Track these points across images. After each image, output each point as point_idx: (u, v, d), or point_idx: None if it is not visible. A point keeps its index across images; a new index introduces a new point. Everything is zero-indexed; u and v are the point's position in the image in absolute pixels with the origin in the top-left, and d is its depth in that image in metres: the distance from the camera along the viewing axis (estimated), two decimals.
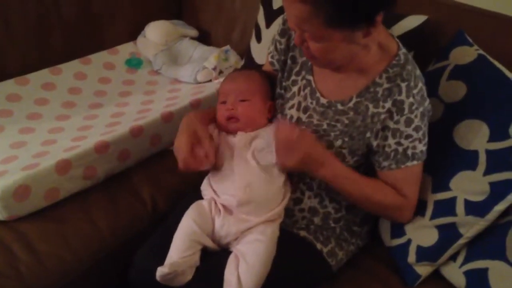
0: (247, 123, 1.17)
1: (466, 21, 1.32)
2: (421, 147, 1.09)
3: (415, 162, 1.09)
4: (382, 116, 1.07)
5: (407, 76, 1.05)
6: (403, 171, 1.10)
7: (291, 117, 1.18)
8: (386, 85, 1.07)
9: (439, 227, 1.13)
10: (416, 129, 1.07)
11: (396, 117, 1.06)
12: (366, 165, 1.16)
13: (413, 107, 1.05)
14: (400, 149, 1.08)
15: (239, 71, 1.32)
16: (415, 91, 1.05)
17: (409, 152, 1.08)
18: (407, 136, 1.07)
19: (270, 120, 1.22)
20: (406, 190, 1.12)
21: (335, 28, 0.94)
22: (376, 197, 1.12)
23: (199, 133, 1.13)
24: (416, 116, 1.06)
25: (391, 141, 1.08)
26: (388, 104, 1.06)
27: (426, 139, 1.10)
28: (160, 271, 1.00)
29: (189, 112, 1.22)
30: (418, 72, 1.08)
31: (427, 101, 1.08)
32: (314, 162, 1.06)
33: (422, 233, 1.16)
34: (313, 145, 1.07)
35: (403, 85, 1.05)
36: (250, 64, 1.69)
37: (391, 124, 1.07)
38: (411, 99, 1.05)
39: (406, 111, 1.05)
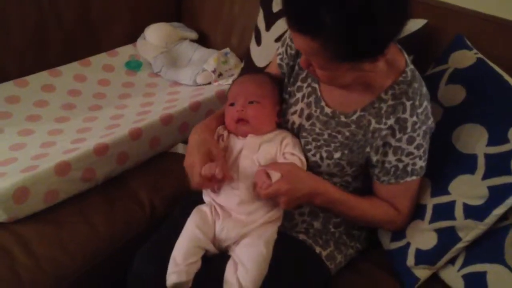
0: (256, 126, 1.16)
1: (465, 25, 1.32)
2: (421, 163, 1.09)
3: (414, 178, 1.10)
4: (384, 133, 1.07)
5: (413, 94, 1.05)
6: (401, 186, 1.11)
7: (293, 122, 1.18)
8: (390, 102, 1.07)
9: (438, 231, 1.14)
10: (418, 147, 1.07)
11: (398, 135, 1.06)
12: (364, 175, 1.16)
13: (416, 126, 1.05)
14: (401, 165, 1.09)
15: (249, 74, 1.30)
16: (419, 110, 1.05)
17: (409, 168, 1.09)
18: (408, 154, 1.07)
19: (278, 125, 1.21)
20: (400, 205, 1.14)
21: (342, 62, 0.94)
22: (370, 214, 1.15)
23: (213, 152, 1.11)
24: (418, 135, 1.06)
25: (391, 157, 1.08)
26: (390, 121, 1.06)
27: (427, 155, 1.10)
28: (174, 279, 1.01)
29: (197, 126, 1.20)
30: (424, 89, 1.08)
31: (431, 120, 1.09)
32: (304, 197, 1.07)
33: (421, 236, 1.16)
34: (297, 180, 1.06)
35: (408, 103, 1.05)
36: (250, 67, 1.69)
37: (393, 142, 1.07)
38: (414, 118, 1.04)
39: (409, 129, 1.05)
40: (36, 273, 1.18)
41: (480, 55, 1.21)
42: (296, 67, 1.21)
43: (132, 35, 1.99)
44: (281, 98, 1.23)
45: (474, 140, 1.11)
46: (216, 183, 1.10)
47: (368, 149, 1.09)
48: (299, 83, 1.20)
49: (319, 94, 1.16)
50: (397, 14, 0.90)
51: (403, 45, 1.13)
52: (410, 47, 1.28)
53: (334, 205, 1.12)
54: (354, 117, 1.10)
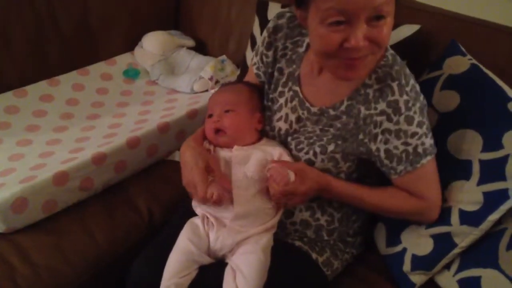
0: (234, 135, 1.15)
1: (459, 31, 1.33)
2: (429, 140, 1.07)
3: (428, 158, 1.07)
4: (376, 118, 1.05)
5: (397, 74, 1.04)
6: (419, 172, 1.07)
7: (279, 129, 1.18)
8: (376, 86, 1.06)
9: (434, 237, 1.14)
10: (419, 124, 1.04)
11: (395, 118, 1.04)
12: (359, 172, 1.14)
13: (410, 104, 1.03)
14: (410, 148, 1.05)
15: (226, 84, 1.31)
16: (407, 89, 1.03)
17: (420, 149, 1.06)
18: (413, 134, 1.04)
19: (261, 133, 1.20)
20: (425, 191, 1.10)
21: None
22: (387, 204, 1.12)
23: (212, 166, 1.10)
24: (415, 113, 1.03)
25: (396, 142, 1.05)
26: (381, 106, 1.04)
27: (431, 133, 1.08)
28: None
29: (187, 140, 1.18)
30: (407, 70, 1.07)
31: (422, 96, 1.06)
32: (313, 193, 1.07)
33: (418, 242, 1.16)
34: (310, 180, 1.06)
35: (394, 84, 1.03)
36: (246, 73, 1.70)
37: (392, 126, 1.04)
38: (405, 97, 1.03)
39: (403, 109, 1.03)
40: (35, 282, 1.18)
41: (474, 61, 1.21)
42: (276, 73, 1.21)
43: (130, 43, 2.01)
44: (261, 105, 1.22)
45: (469, 146, 1.12)
46: (222, 202, 1.07)
47: (361, 136, 1.08)
48: (280, 89, 1.20)
49: (301, 96, 1.15)
50: None
51: (397, 50, 1.13)
52: (403, 52, 1.28)
53: (344, 199, 1.12)
54: (342, 108, 1.10)
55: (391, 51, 1.09)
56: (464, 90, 1.18)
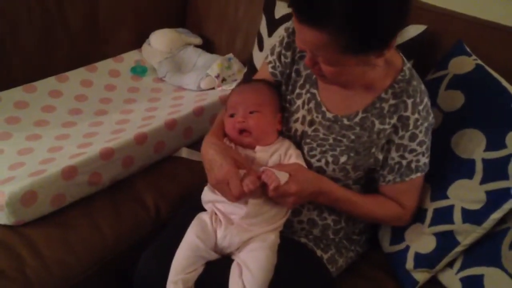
0: (259, 136, 1.14)
1: (465, 31, 1.34)
2: (424, 159, 1.11)
3: (418, 174, 1.12)
4: (388, 132, 1.09)
5: (413, 92, 1.06)
6: (406, 184, 1.12)
7: (296, 130, 1.18)
8: (392, 101, 1.08)
9: (437, 235, 1.15)
10: (420, 143, 1.08)
11: (401, 133, 1.08)
12: (367, 179, 1.17)
13: (418, 123, 1.07)
14: (404, 162, 1.10)
15: (247, 83, 1.29)
16: (420, 107, 1.06)
17: (413, 165, 1.10)
18: (411, 151, 1.09)
19: (280, 133, 1.20)
20: (406, 201, 1.16)
21: (350, 55, 0.94)
22: (375, 212, 1.16)
23: (239, 160, 1.08)
24: (420, 132, 1.07)
25: (394, 154, 1.10)
26: (393, 120, 1.08)
27: (429, 152, 1.12)
28: None
29: (208, 137, 1.16)
30: (423, 87, 1.09)
31: (431, 116, 1.10)
32: (309, 196, 1.08)
33: (421, 240, 1.18)
34: (303, 181, 1.06)
35: (409, 101, 1.06)
36: (252, 72, 1.71)
37: (396, 139, 1.09)
38: (416, 115, 1.06)
39: (411, 127, 1.07)
40: (43, 274, 1.20)
41: (479, 61, 1.23)
42: (293, 75, 1.21)
43: (137, 41, 2.02)
44: (281, 105, 1.21)
45: (473, 145, 1.13)
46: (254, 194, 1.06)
47: (373, 150, 1.11)
48: (298, 90, 1.20)
49: (318, 99, 1.16)
50: (402, 4, 0.91)
51: (403, 50, 1.14)
52: (410, 52, 1.31)
53: (337, 203, 1.13)
54: (357, 119, 1.11)
55: (408, 65, 1.10)
56: (468, 90, 1.20)
